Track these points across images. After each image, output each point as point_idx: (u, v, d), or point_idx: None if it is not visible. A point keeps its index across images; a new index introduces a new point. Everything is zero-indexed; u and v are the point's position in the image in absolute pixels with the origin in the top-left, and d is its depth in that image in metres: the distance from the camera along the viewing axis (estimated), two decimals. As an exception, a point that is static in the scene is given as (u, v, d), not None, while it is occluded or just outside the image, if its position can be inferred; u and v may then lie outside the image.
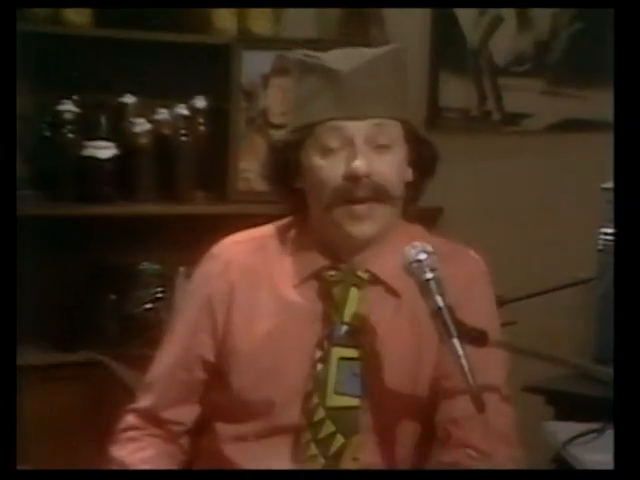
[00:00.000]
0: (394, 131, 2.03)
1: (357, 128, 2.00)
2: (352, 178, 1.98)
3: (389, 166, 2.01)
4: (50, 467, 3.35)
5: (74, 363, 3.67)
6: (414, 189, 2.10)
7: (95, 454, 3.47)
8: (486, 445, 1.96)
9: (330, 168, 2.00)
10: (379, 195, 2.01)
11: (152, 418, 2.14)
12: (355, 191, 1.99)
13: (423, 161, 2.09)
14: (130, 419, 2.16)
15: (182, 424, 2.13)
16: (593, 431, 2.45)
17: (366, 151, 1.99)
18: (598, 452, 2.33)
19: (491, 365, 1.98)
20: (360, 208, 2.00)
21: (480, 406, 1.80)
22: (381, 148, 2.00)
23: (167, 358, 2.16)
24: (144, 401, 2.16)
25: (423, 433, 2.06)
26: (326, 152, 2.01)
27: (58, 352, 3.73)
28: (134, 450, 2.12)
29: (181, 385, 2.13)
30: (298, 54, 2.12)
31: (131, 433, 2.14)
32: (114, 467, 2.13)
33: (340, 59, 2.05)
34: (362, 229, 2.03)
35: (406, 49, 2.12)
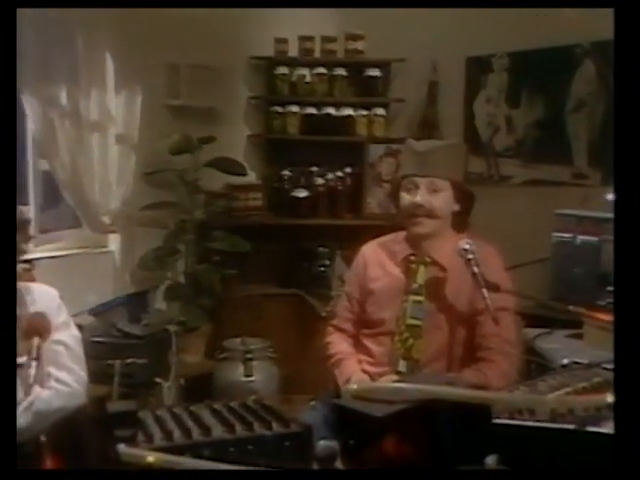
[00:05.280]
0: (442, 183, 1.97)
1: (422, 180, 1.97)
2: (415, 205, 1.97)
3: (438, 201, 1.97)
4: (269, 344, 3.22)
5: (285, 294, 3.59)
6: (461, 215, 2.02)
7: (296, 340, 3.45)
8: (501, 347, 1.90)
9: (407, 199, 1.99)
10: (429, 214, 1.97)
11: (339, 329, 2.13)
12: (416, 211, 1.97)
13: (464, 200, 2.02)
14: (331, 328, 2.15)
15: (350, 331, 2.12)
16: (546, 333, 2.37)
17: (424, 193, 1.97)
18: (550, 343, 2.26)
19: (503, 301, 1.89)
20: (417, 219, 1.98)
21: (496, 322, 1.78)
22: (434, 191, 1.96)
23: (343, 299, 2.16)
24: (335, 321, 2.15)
25: (465, 343, 1.95)
26: (407, 190, 1.99)
27: (277, 288, 3.65)
28: (335, 337, 2.12)
29: (349, 312, 2.12)
30: (408, 143, 2.07)
31: (332, 331, 2.14)
32: (326, 346, 2.11)
33: (422, 144, 2.02)
34: (418, 230, 1.99)
35: (463, 145, 2.11)
